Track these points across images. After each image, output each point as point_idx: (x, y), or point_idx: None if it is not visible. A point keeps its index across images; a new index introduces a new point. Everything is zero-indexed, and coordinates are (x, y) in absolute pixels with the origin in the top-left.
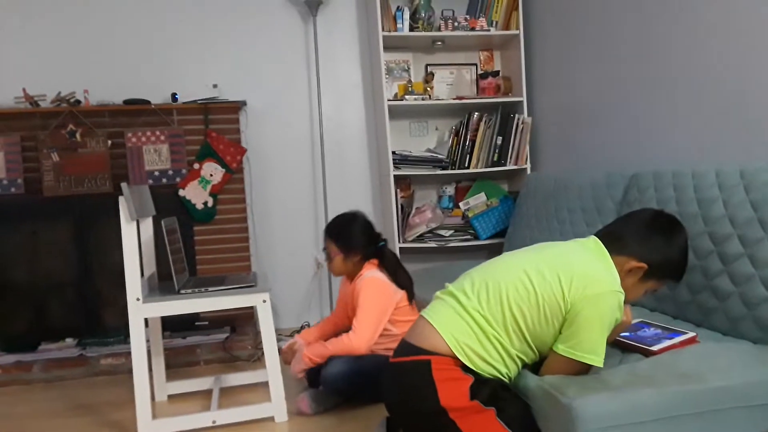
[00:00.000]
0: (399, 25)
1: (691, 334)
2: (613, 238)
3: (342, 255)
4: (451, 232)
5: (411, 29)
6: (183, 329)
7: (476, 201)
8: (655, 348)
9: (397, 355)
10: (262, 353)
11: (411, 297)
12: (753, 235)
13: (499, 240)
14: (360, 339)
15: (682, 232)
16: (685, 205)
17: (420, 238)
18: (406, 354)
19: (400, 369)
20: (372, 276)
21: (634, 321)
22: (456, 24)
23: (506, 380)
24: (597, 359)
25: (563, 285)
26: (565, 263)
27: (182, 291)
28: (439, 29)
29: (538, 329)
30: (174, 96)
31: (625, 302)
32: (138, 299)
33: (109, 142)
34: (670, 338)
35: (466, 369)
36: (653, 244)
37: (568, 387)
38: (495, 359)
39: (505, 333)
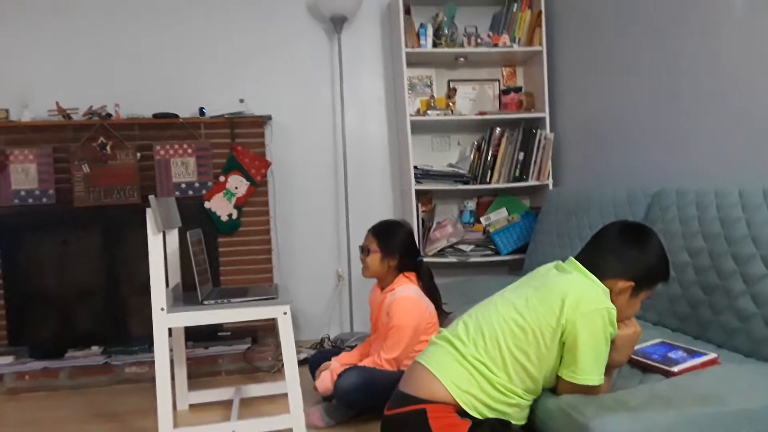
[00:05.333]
0: (422, 42)
1: (712, 356)
2: (591, 266)
3: (380, 254)
4: (471, 247)
5: (434, 45)
6: (206, 339)
7: (497, 216)
8: (675, 369)
9: (393, 407)
10: (283, 365)
11: (440, 315)
12: None
13: (520, 256)
14: (390, 357)
15: (652, 236)
16: (707, 224)
17: (441, 252)
18: (401, 405)
19: (397, 421)
20: (407, 294)
21: (655, 341)
22: (479, 40)
23: (516, 419)
24: (595, 378)
25: (555, 310)
26: (554, 289)
27: (205, 302)
28: (462, 45)
29: (543, 360)
30: (201, 110)
31: (626, 319)
32: (162, 309)
33: (138, 154)
34: (691, 359)
35: (462, 413)
36: (630, 258)
37: (586, 407)
38: (500, 403)
39: (507, 376)
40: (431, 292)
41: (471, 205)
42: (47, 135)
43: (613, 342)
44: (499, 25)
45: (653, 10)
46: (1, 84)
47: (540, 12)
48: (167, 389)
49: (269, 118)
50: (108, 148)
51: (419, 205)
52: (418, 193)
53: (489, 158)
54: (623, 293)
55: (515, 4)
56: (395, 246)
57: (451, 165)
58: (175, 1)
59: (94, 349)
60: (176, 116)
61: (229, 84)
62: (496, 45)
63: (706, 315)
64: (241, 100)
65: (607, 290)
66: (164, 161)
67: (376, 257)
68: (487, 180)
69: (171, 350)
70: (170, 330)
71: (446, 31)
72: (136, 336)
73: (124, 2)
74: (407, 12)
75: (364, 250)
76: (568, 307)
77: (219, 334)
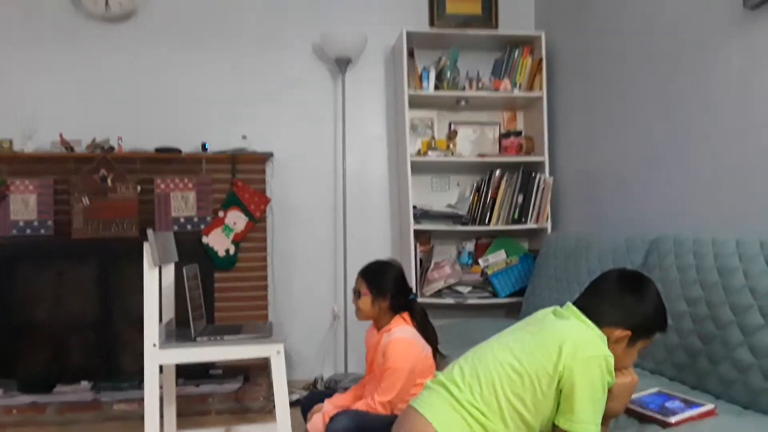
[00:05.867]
0: (425, 84)
1: (710, 407)
2: (589, 313)
3: (371, 296)
4: (469, 288)
5: (436, 88)
6: (197, 377)
7: (496, 258)
8: (672, 419)
9: None
10: (274, 405)
11: (435, 356)
12: None
13: (518, 299)
14: (384, 400)
15: (650, 285)
16: (705, 272)
17: (438, 293)
18: None
19: None
20: (402, 336)
21: (653, 391)
22: (480, 85)
23: None
24: (592, 428)
25: (553, 356)
26: (552, 335)
27: (198, 338)
28: (463, 89)
29: (539, 408)
30: (204, 146)
31: (623, 368)
32: (155, 345)
33: (139, 187)
34: (689, 410)
35: None
36: (627, 307)
37: None
38: None
39: (503, 423)
40: (426, 330)
41: (469, 246)
42: (49, 166)
43: (610, 391)
44: (500, 71)
45: (651, 60)
46: (7, 114)
47: (541, 59)
48: (156, 428)
49: (271, 154)
50: (109, 180)
51: (418, 244)
52: (417, 232)
53: (488, 200)
54: (620, 342)
55: (517, 51)
56: (385, 287)
57: (450, 206)
58: (182, 37)
59: (84, 384)
60: (178, 151)
61: (233, 120)
62: (497, 89)
63: (704, 365)
64: (244, 137)
65: (605, 337)
66: (164, 195)
67: (367, 300)
68: (486, 222)
69: (161, 387)
70: (161, 366)
71: (448, 75)
72: (126, 371)
73: (130, 37)
74: (411, 55)
75: (356, 292)
76: (566, 354)
77: (210, 371)
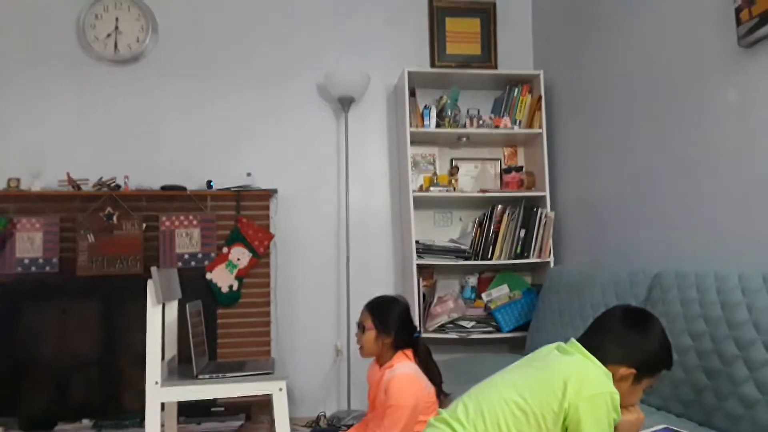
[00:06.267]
0: (426, 122)
1: None
2: (593, 350)
3: (375, 332)
4: (472, 323)
5: (437, 125)
6: (199, 414)
7: (499, 293)
8: None
9: None
10: None
11: (439, 394)
12: None
13: (522, 333)
14: None
15: (655, 323)
16: (708, 307)
17: (441, 328)
18: None
19: None
20: (405, 372)
21: (659, 427)
22: (481, 122)
23: None
24: None
25: (558, 393)
26: (557, 371)
27: (200, 376)
28: (464, 126)
29: None
30: (209, 183)
31: (629, 405)
32: (157, 383)
33: (144, 225)
34: None
35: None
36: (632, 345)
37: None
38: None
39: None
40: (430, 369)
41: (472, 280)
42: (56, 204)
43: (615, 428)
44: (500, 108)
45: (648, 96)
46: (14, 154)
47: (540, 96)
48: None
49: (275, 191)
50: (114, 218)
51: (420, 279)
52: (420, 267)
53: (491, 235)
54: (625, 380)
55: (516, 89)
56: (391, 323)
57: (452, 240)
58: (188, 77)
59: (85, 422)
60: (184, 188)
61: (238, 157)
62: (497, 126)
63: (710, 401)
64: (249, 174)
65: (610, 374)
66: (169, 232)
67: (371, 335)
68: (489, 256)
69: (163, 425)
70: (163, 404)
71: (449, 113)
72: (128, 409)
73: (137, 77)
74: (412, 94)
75: (360, 326)
76: (571, 391)
77: (212, 409)
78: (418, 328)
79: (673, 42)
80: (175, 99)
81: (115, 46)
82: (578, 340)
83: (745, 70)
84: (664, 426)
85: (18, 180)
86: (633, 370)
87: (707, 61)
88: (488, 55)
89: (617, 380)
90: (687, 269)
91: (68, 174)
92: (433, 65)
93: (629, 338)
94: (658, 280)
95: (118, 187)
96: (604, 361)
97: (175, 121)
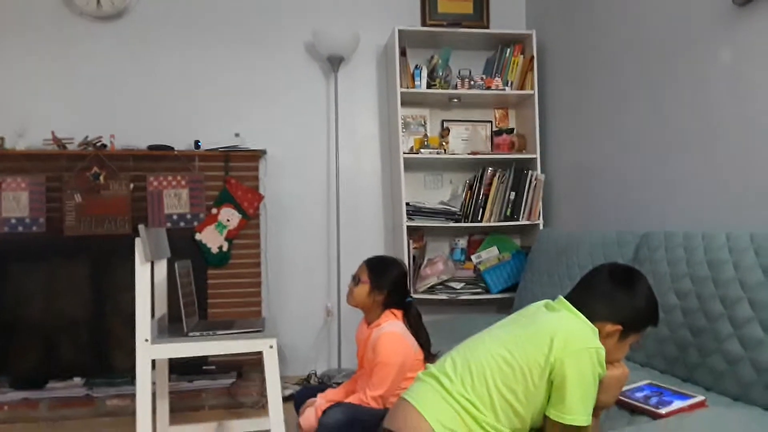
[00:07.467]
0: (417, 82)
1: (700, 398)
2: (580, 306)
3: (369, 286)
4: (462, 284)
5: (428, 86)
6: (190, 372)
7: (488, 255)
8: (663, 411)
9: None
10: (267, 400)
11: (427, 358)
12: (763, 299)
13: (510, 294)
14: (376, 394)
15: (641, 280)
16: (695, 266)
17: (431, 289)
18: None
19: None
20: (392, 330)
21: (643, 383)
22: (472, 83)
23: None
24: (582, 419)
25: (544, 348)
26: (543, 327)
27: (191, 333)
28: (455, 87)
29: (531, 399)
30: (197, 143)
31: (614, 361)
32: (146, 340)
33: (132, 185)
34: (679, 401)
35: None
36: (618, 301)
37: None
38: None
39: (494, 415)
40: (419, 335)
41: (462, 242)
42: (41, 164)
43: (600, 382)
44: (492, 69)
45: (641, 57)
46: None
47: (532, 57)
48: (147, 423)
49: (264, 152)
50: (101, 178)
51: (411, 241)
52: (410, 229)
53: (481, 197)
54: (611, 337)
55: (508, 50)
56: (386, 282)
57: (443, 203)
58: (174, 34)
59: (76, 380)
60: (171, 148)
61: (226, 118)
62: (489, 87)
63: (694, 357)
64: (237, 135)
65: (596, 330)
66: (157, 192)
67: (365, 288)
68: (479, 218)
69: (154, 383)
70: (154, 362)
71: (441, 73)
72: (119, 368)
73: (122, 35)
74: (403, 54)
75: (355, 279)
76: (557, 346)
77: (204, 368)
78: (411, 295)
79: (668, 1)
80: (160, 57)
81: (98, 1)
82: (566, 297)
83: (740, 29)
84: (648, 381)
85: (2, 139)
86: (619, 327)
87: (701, 20)
88: (480, 13)
89: (603, 336)
90: (675, 229)
91: (53, 133)
92: (424, 24)
93: (616, 295)
94: (646, 240)
95: (104, 146)
96: (591, 318)
97: (161, 80)
